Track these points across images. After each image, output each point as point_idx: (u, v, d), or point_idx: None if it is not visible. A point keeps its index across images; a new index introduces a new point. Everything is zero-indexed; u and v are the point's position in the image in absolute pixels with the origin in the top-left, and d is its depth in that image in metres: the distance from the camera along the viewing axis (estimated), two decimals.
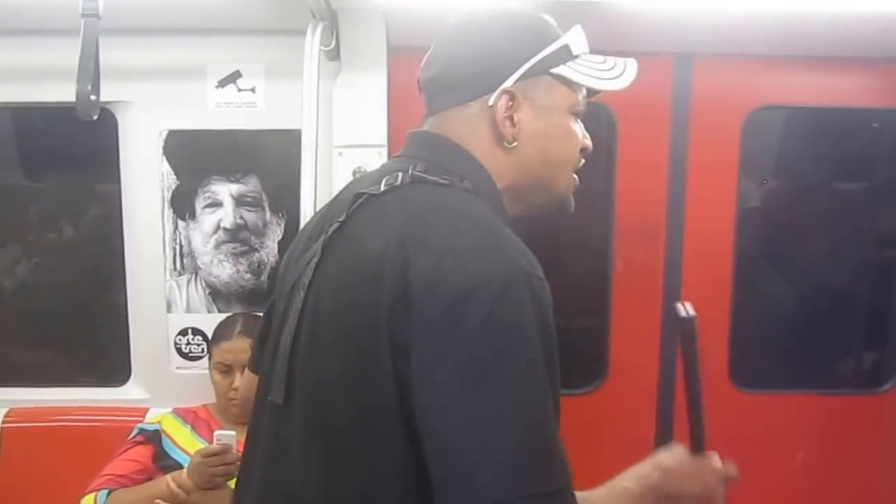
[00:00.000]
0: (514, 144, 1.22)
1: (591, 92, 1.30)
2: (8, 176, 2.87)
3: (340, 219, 1.19)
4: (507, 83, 1.21)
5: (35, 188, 2.89)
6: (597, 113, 2.61)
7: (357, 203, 1.18)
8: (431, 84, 1.27)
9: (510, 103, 1.21)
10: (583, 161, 1.31)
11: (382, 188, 1.18)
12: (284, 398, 1.16)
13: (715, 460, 1.36)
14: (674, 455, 1.34)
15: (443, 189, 1.17)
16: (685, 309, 1.36)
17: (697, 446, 1.35)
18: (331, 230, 1.19)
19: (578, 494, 1.06)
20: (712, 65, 2.57)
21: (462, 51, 1.25)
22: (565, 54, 1.24)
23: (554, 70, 1.23)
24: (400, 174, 1.19)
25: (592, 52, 1.29)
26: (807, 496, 2.77)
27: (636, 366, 2.68)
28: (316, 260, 1.18)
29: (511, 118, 1.21)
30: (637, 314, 2.66)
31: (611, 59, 1.30)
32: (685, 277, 2.63)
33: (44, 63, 2.31)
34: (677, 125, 2.59)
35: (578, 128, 1.29)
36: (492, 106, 1.21)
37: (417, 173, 1.19)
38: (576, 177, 1.31)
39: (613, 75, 1.29)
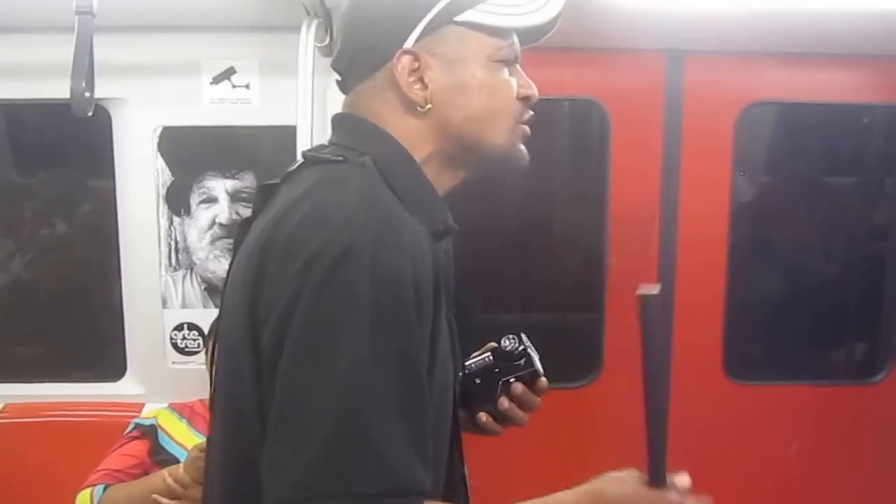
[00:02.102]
0: (428, 107, 1.12)
1: (529, 34, 1.18)
2: (3, 172, 2.88)
3: (250, 216, 1.18)
4: (407, 43, 1.11)
5: (30, 185, 2.90)
6: (589, 110, 2.62)
7: (261, 196, 1.17)
8: (337, 63, 1.20)
9: (415, 64, 1.11)
10: (529, 113, 1.20)
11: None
12: (210, 399, 1.18)
13: (676, 492, 1.11)
14: (616, 485, 1.12)
15: (329, 166, 1.11)
16: (648, 291, 1.13)
17: (656, 474, 1.11)
18: (245, 229, 1.18)
19: None
20: (704, 62, 2.58)
21: (356, 20, 1.16)
22: None
23: (459, 17, 1.12)
24: (300, 161, 1.16)
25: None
26: (800, 487, 2.79)
27: (631, 359, 2.68)
28: (231, 260, 1.18)
29: (421, 80, 1.12)
30: (631, 308, 2.63)
31: None
32: (679, 272, 2.65)
33: (38, 60, 2.30)
34: (670, 122, 2.60)
35: (508, 76, 1.16)
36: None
37: (310, 154, 1.14)
38: (525, 127, 1.20)
39: (532, 9, 1.15)
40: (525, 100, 1.19)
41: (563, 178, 2.87)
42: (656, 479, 1.11)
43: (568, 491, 1.11)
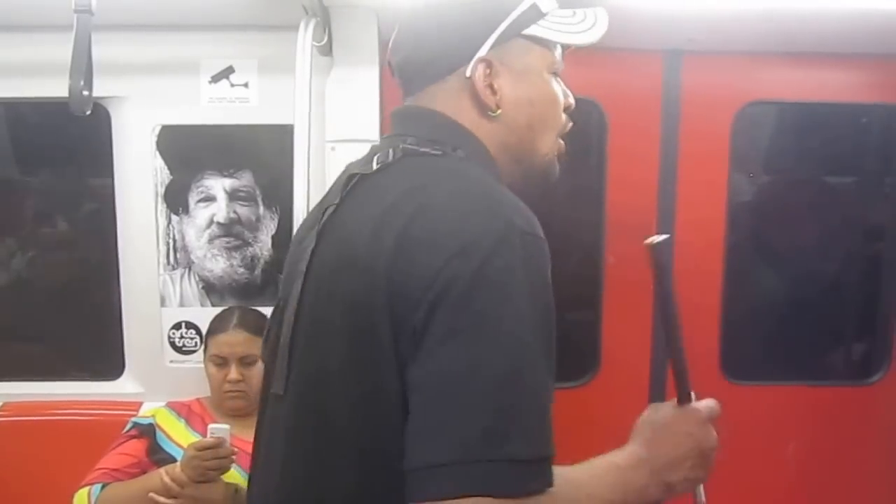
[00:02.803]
0: (498, 112, 1.20)
1: (566, 46, 1.28)
2: (2, 171, 2.88)
3: (335, 202, 1.18)
4: (482, 51, 1.18)
5: (29, 183, 2.89)
6: (587, 109, 2.62)
7: (350, 185, 1.18)
8: (404, 67, 1.25)
9: (488, 71, 1.19)
10: (570, 123, 1.30)
11: (374, 167, 1.17)
12: (284, 389, 1.16)
13: (700, 405, 1.27)
14: (657, 412, 1.27)
15: (436, 159, 1.17)
16: (657, 239, 1.29)
17: (683, 394, 1.27)
18: (325, 215, 1.18)
19: (558, 469, 1.03)
20: (702, 61, 2.59)
21: (430, 28, 1.23)
22: (535, 13, 1.21)
23: (526, 31, 1.21)
24: (391, 151, 1.18)
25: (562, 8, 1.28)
26: (797, 487, 2.79)
27: (628, 358, 2.69)
28: (311, 246, 1.17)
29: (491, 86, 1.19)
30: (629, 307, 2.67)
31: (580, 12, 1.27)
32: (676, 271, 2.64)
33: (37, 58, 2.31)
34: (667, 121, 2.60)
35: (559, 87, 1.27)
36: (469, 77, 1.19)
37: (408, 146, 1.18)
38: (562, 142, 1.30)
39: (585, 27, 1.26)
40: (567, 108, 1.28)
41: (561, 178, 2.87)
42: (684, 400, 1.27)
43: (615, 451, 1.23)
